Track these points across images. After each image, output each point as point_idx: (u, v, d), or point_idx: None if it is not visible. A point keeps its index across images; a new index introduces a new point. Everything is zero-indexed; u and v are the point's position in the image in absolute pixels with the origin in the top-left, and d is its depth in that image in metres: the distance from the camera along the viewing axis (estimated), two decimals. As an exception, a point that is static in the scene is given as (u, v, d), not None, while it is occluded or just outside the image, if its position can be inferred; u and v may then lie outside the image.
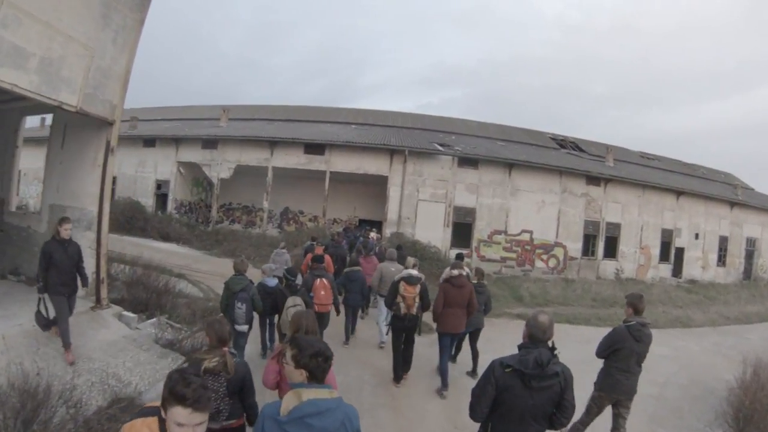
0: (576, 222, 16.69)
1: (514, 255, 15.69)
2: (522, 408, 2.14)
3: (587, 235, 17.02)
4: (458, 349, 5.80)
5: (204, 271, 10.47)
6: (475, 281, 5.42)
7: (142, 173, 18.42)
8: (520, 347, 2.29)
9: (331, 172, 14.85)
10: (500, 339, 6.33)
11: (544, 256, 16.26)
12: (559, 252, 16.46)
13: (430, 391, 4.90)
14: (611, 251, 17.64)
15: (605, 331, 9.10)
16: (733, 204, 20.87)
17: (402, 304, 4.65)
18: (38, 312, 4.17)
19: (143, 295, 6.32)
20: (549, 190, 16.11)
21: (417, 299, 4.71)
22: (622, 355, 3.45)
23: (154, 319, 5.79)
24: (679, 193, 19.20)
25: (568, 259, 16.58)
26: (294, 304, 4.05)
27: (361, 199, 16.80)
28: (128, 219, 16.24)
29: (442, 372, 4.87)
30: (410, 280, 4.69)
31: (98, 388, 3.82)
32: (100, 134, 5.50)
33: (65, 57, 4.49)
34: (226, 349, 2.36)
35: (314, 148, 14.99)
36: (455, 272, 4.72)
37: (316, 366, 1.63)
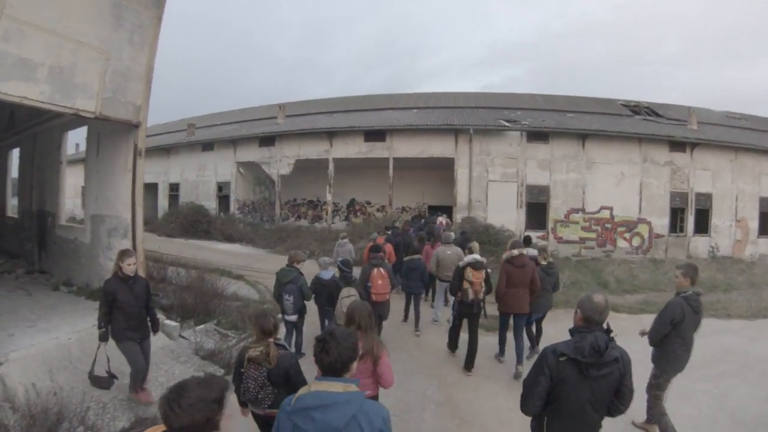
0: (661, 195, 15.08)
1: (593, 235, 14.40)
2: (580, 399, 1.95)
3: (674, 208, 15.35)
4: (539, 334, 5.55)
5: (265, 271, 9.98)
6: (544, 263, 5.30)
7: (202, 177, 18.91)
8: (572, 332, 2.06)
9: (394, 159, 14.31)
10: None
11: (627, 235, 14.83)
12: (643, 229, 14.95)
13: (507, 414, 4.00)
14: (702, 226, 15.79)
15: (708, 322, 7.30)
16: (843, 164, 18.06)
17: (470, 290, 4.63)
18: (92, 373, 3.40)
19: (191, 301, 6.00)
20: (628, 160, 14.64)
21: (483, 284, 4.70)
22: (683, 329, 3.26)
23: (201, 327, 5.51)
24: (777, 155, 16.89)
25: (654, 237, 15.04)
26: (348, 295, 4.05)
27: (428, 184, 16.15)
28: (192, 223, 16.75)
29: (501, 340, 5.05)
30: (476, 266, 4.67)
31: (125, 406, 3.58)
32: (128, 138, 5.44)
33: (77, 63, 4.36)
34: (271, 340, 2.42)
35: (374, 135, 14.53)
36: (515, 252, 4.71)
37: (315, 354, 1.60)
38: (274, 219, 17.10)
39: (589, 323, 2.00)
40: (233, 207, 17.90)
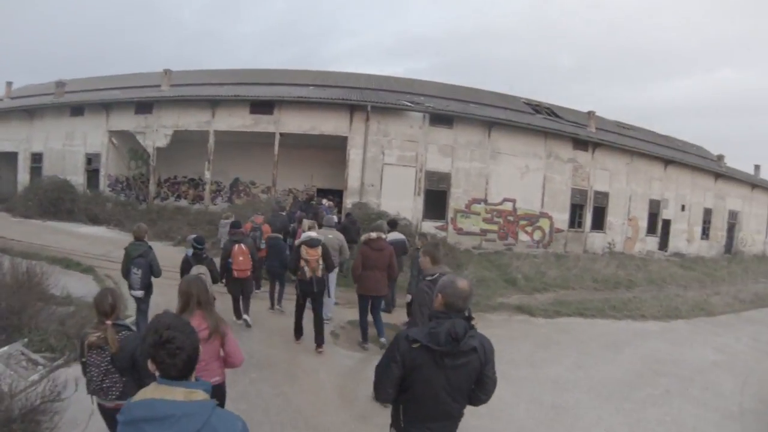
0: (563, 190, 14.51)
1: (495, 227, 13.34)
2: (434, 388, 1.73)
3: (574, 204, 14.88)
4: None
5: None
6: (420, 245, 5.07)
7: (70, 147, 15.25)
8: (430, 317, 1.81)
9: (282, 135, 12.04)
10: (506, 348, 4.56)
11: (529, 228, 14.01)
12: (544, 223, 14.25)
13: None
14: (599, 223, 15.62)
15: (626, 326, 6.88)
16: (717, 176, 19.31)
17: (306, 268, 4.42)
18: None
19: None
20: (533, 154, 13.80)
21: (320, 261, 4.48)
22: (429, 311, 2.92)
23: (3, 350, 3.84)
24: (667, 162, 17.39)
25: (555, 232, 14.42)
26: (198, 273, 3.60)
27: (318, 165, 14.03)
28: (53, 201, 13.57)
29: (363, 328, 4.81)
30: (311, 243, 4.50)
31: None
32: None
33: None
34: (109, 322, 2.12)
35: (262, 106, 12.13)
36: (373, 235, 4.61)
37: (159, 358, 1.14)
38: (145, 198, 14.06)
39: (450, 309, 1.74)
40: (103, 183, 14.53)
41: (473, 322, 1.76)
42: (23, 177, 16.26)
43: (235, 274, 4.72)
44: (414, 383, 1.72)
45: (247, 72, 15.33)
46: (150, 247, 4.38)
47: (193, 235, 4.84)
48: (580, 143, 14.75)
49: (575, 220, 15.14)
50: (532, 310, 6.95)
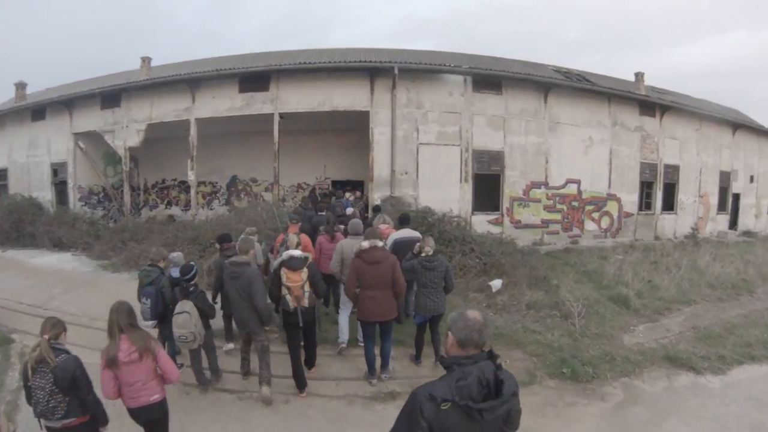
0: (631, 166, 11.10)
1: (558, 216, 9.93)
2: None
3: (642, 182, 11.46)
4: (436, 342, 3.84)
5: (64, 314, 4.89)
6: (423, 254, 3.62)
7: (34, 158, 12.01)
8: (447, 364, 1.35)
9: (282, 116, 8.61)
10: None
11: (595, 215, 10.61)
12: (612, 207, 10.85)
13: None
14: (668, 202, 12.19)
15: None
16: (779, 139, 15.71)
17: (288, 297, 3.18)
18: None
19: None
20: (597, 122, 10.38)
21: (307, 287, 3.21)
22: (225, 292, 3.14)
23: None
24: (736, 126, 13.86)
25: (624, 216, 11.01)
26: (182, 311, 3.21)
27: (333, 153, 10.62)
28: (14, 225, 10.31)
29: (369, 360, 3.53)
30: (292, 264, 3.18)
31: None
32: None
33: None
34: (46, 337, 2.08)
35: (253, 81, 8.70)
36: (366, 244, 3.35)
37: None
38: (138, 207, 10.82)
39: (468, 348, 1.34)
40: (73, 197, 11.27)
41: (499, 361, 1.34)
42: (-11, 198, 13.09)
43: None
44: None
45: (240, 57, 11.79)
46: (162, 273, 3.71)
47: (175, 254, 3.96)
48: (647, 108, 11.31)
49: (642, 201, 11.73)
50: (691, 360, 4.19)
